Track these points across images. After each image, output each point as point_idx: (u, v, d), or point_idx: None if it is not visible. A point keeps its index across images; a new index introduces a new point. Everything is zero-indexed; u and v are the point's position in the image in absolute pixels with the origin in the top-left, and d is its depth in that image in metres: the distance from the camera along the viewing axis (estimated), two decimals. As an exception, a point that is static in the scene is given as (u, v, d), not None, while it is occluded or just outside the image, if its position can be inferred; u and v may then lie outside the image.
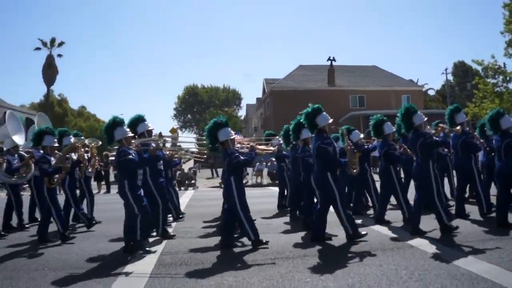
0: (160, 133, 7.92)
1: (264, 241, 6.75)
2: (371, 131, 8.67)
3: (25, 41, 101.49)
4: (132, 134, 7.08)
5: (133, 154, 6.71)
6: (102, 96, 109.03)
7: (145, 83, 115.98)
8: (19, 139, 9.04)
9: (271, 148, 8.39)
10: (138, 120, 7.83)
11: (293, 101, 38.94)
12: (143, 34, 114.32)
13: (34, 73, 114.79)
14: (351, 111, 37.87)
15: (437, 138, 7.26)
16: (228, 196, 6.93)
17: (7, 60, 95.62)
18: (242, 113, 69.95)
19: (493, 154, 8.11)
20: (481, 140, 8.71)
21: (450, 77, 32.47)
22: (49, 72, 42.21)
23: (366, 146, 9.47)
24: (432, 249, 6.11)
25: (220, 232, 7.21)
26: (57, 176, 7.76)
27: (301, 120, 7.63)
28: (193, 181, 22.86)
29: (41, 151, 8.00)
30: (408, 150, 7.94)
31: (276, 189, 12.09)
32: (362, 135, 9.62)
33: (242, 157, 6.85)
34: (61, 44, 44.51)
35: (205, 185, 23.47)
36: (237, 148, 7.25)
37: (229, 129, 7.01)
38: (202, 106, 66.71)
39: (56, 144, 8.10)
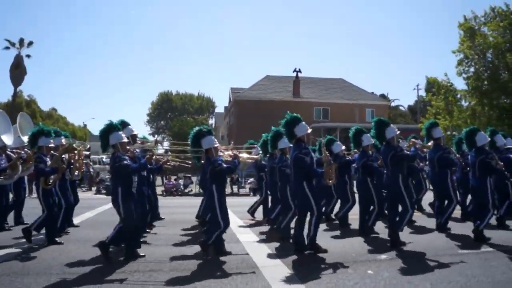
0: (156, 140, 8.24)
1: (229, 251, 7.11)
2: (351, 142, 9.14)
3: None
4: (127, 140, 7.21)
5: (128, 160, 6.86)
6: (74, 99, 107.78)
7: (119, 87, 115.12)
8: (7, 139, 9.09)
9: (254, 156, 8.83)
10: (122, 125, 7.95)
11: (257, 111, 39.75)
12: (117, 38, 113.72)
13: (1, 73, 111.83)
14: (315, 123, 38.93)
15: (408, 152, 7.76)
16: (209, 204, 7.21)
17: None
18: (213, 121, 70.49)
19: (468, 169, 8.70)
20: (457, 155, 9.26)
21: (423, 93, 34.25)
22: (17, 72, 41.65)
23: (347, 158, 9.95)
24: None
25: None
26: (52, 177, 7.89)
27: (280, 130, 7.98)
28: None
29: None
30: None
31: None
32: (343, 147, 10.06)
33: (225, 165, 7.16)
34: (30, 44, 44.39)
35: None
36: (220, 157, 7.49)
37: (213, 137, 7.33)
38: (175, 113, 66.79)
39: (52, 145, 8.24)
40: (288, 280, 5.71)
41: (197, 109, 69.45)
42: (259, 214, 11.27)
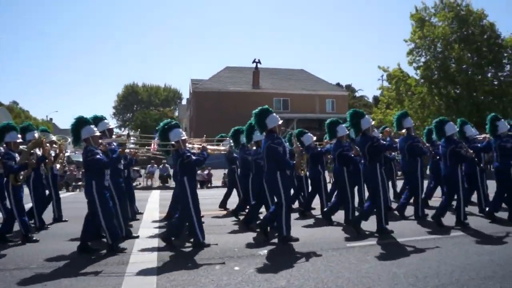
0: (128, 133, 7.86)
1: (207, 244, 6.99)
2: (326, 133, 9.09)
3: None
4: (99, 134, 7.05)
5: (100, 154, 6.71)
6: (36, 92, 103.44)
7: (83, 80, 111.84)
8: None
9: (221, 148, 8.56)
10: (97, 119, 7.78)
11: (216, 103, 39.27)
12: (81, 29, 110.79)
13: None
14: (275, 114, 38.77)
15: (384, 142, 7.82)
16: (181, 196, 7.05)
17: None
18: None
19: (437, 158, 8.82)
20: (427, 145, 9.32)
21: (386, 83, 34.51)
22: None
23: (319, 149, 9.89)
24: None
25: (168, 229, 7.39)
26: (22, 173, 7.55)
27: (253, 123, 7.85)
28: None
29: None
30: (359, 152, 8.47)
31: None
32: (314, 138, 10.00)
33: (194, 157, 7.03)
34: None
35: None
36: (188, 149, 7.33)
37: (180, 129, 7.19)
38: (141, 105, 65.22)
39: (20, 140, 7.88)
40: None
41: (163, 101, 68.29)
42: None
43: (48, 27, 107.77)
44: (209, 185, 21.91)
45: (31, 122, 9.82)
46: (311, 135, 9.97)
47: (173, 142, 7.11)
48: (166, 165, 22.97)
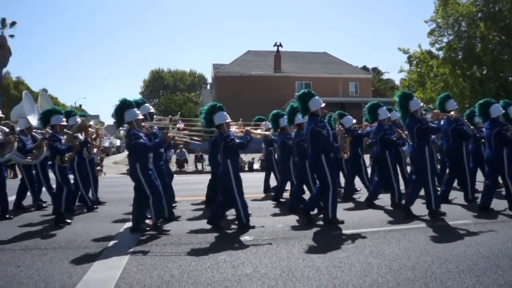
0: (171, 117, 7.74)
1: (252, 226, 6.93)
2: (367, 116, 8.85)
3: None
4: (142, 117, 7.01)
5: (144, 138, 6.67)
6: (64, 79, 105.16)
7: (111, 66, 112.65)
8: (33, 119, 9.01)
9: (266, 132, 8.35)
10: (139, 103, 7.74)
11: (237, 87, 39.00)
12: (107, 17, 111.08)
13: None
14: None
15: (433, 124, 7.53)
16: (224, 178, 6.96)
17: None
18: (205, 98, 69.54)
19: (482, 141, 8.49)
20: (472, 127, 8.99)
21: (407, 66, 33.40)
22: (1, 53, 40.11)
23: (359, 131, 9.63)
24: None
25: (212, 212, 7.31)
26: (67, 155, 7.65)
27: (296, 105, 7.74)
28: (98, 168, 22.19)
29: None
30: (403, 135, 8.22)
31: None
32: (354, 120, 9.75)
33: (237, 140, 6.94)
34: (13, 24, 42.89)
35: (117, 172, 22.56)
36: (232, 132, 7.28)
37: (225, 112, 7.05)
38: (168, 90, 65.38)
39: (65, 123, 8.01)
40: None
41: (188, 86, 68.28)
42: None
43: (75, 14, 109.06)
44: None
45: (72, 109, 9.84)
46: (351, 117, 9.72)
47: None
48: (183, 150, 22.79)
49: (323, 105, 7.17)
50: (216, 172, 8.71)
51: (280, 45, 42.84)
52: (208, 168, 21.29)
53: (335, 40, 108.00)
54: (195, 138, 8.57)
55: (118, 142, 45.48)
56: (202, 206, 9.27)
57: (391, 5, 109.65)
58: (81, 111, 56.04)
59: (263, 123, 9.70)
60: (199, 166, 22.37)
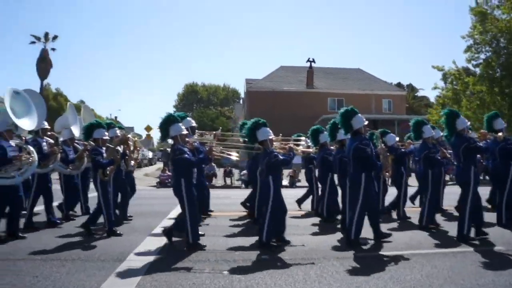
0: (215, 133, 7.75)
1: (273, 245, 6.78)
2: (411, 134, 8.63)
3: (19, 37, 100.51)
4: (187, 132, 7.04)
5: (188, 153, 6.67)
6: (101, 91, 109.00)
7: (145, 79, 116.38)
8: (75, 130, 9.20)
9: (310, 149, 8.26)
10: (181, 117, 7.75)
11: (269, 102, 38.96)
12: (144, 31, 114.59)
13: (29, 68, 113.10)
14: (329, 114, 38.05)
15: (480, 144, 7.29)
16: (263, 195, 6.92)
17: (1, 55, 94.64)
18: (238, 113, 69.96)
19: None
20: None
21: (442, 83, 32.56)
22: (43, 65, 41.61)
23: (402, 149, 9.44)
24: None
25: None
26: (109, 168, 7.73)
27: (337, 122, 7.67)
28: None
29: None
30: (447, 154, 7.99)
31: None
32: (397, 138, 9.54)
33: (281, 157, 6.86)
34: (54, 38, 44.15)
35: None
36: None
37: (268, 129, 6.99)
38: (201, 104, 66.26)
39: (107, 137, 8.07)
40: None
41: (222, 100, 68.84)
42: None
43: (112, 29, 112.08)
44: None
45: (111, 122, 10.00)
46: (394, 135, 9.49)
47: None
48: (213, 164, 22.50)
49: (366, 123, 7.07)
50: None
51: (313, 60, 42.63)
52: (237, 183, 21.60)
53: (369, 57, 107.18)
54: (234, 154, 8.56)
55: (150, 154, 45.94)
56: (240, 222, 9.22)
57: (426, 21, 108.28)
58: (116, 122, 57.38)
59: (303, 139, 9.60)
60: (228, 181, 22.28)
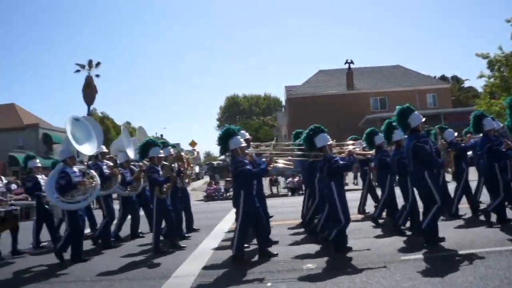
0: (274, 144, 7.74)
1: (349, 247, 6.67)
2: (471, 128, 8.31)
3: (65, 66, 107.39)
4: (246, 144, 7.09)
5: (249, 165, 6.69)
6: (145, 111, 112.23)
7: (187, 96, 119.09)
8: (130, 153, 9.42)
9: (370, 152, 8.06)
10: (238, 130, 7.73)
11: (311, 107, 38.64)
12: (181, 49, 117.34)
13: (76, 95, 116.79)
14: (372, 114, 37.40)
15: None
16: (329, 201, 6.79)
17: (49, 84, 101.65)
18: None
19: None
20: None
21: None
22: (89, 91, 43.22)
23: (462, 144, 9.07)
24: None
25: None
26: (165, 186, 7.82)
27: (392, 122, 7.52)
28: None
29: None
30: None
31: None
32: (456, 133, 9.17)
33: (341, 162, 6.74)
34: (98, 64, 45.64)
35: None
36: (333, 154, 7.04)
37: (326, 134, 6.90)
38: (243, 115, 66.94)
39: (162, 155, 8.19)
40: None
41: (264, 110, 69.19)
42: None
43: (150, 48, 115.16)
44: (300, 192, 20.95)
45: (164, 141, 10.19)
46: (452, 130, 9.11)
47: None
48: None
49: (423, 120, 6.83)
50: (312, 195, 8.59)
51: (352, 62, 42.27)
52: (284, 191, 21.43)
53: (409, 52, 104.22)
54: (288, 163, 8.48)
55: (197, 169, 46.47)
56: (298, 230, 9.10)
57: (465, 8, 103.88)
58: (163, 140, 58.84)
59: (357, 142, 9.38)
60: (274, 190, 22.09)
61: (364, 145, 8.99)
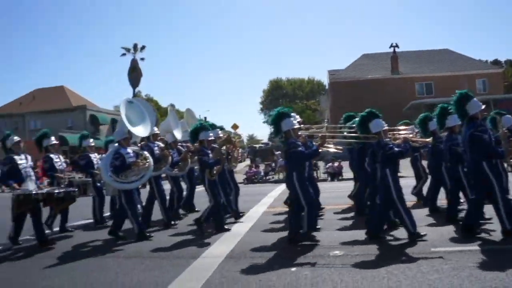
0: (327, 126, 7.67)
1: (422, 234, 6.42)
2: None
3: (112, 50, 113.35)
4: (298, 126, 7.03)
5: (302, 147, 6.67)
6: (189, 94, 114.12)
7: (230, 78, 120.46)
8: (178, 134, 9.62)
9: (427, 140, 7.82)
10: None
11: (354, 92, 37.96)
12: (224, 32, 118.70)
13: (121, 78, 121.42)
14: (417, 99, 36.37)
15: None
16: (383, 188, 6.62)
17: (97, 67, 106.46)
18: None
19: None
20: None
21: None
22: (134, 75, 44.10)
23: None
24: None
25: (369, 223, 6.93)
26: (215, 168, 7.93)
27: (446, 107, 7.33)
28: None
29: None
30: None
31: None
32: None
33: (396, 149, 6.55)
34: (143, 48, 46.33)
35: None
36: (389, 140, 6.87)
37: (381, 120, 6.72)
38: (287, 99, 66.77)
39: (212, 138, 8.29)
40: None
41: (307, 93, 68.62)
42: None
43: (194, 31, 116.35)
44: (340, 178, 20.65)
45: (213, 123, 10.20)
46: (510, 116, 8.65)
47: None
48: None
49: (483, 107, 6.51)
50: (359, 180, 8.46)
51: (397, 45, 41.12)
52: (323, 176, 21.18)
53: (459, 35, 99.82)
54: (338, 147, 8.36)
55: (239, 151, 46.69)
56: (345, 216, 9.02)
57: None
58: (211, 123, 59.75)
59: (409, 127, 9.10)
60: (314, 175, 21.95)
61: (417, 131, 8.73)
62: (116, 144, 7.75)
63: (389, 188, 6.52)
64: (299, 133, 6.98)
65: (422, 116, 8.58)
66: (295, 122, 6.89)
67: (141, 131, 8.04)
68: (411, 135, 7.86)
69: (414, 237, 6.34)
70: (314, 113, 54.50)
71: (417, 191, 10.03)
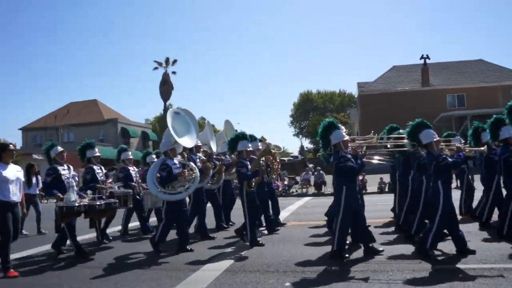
0: (376, 137, 7.45)
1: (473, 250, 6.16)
2: None
3: (144, 64, 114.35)
4: (348, 138, 6.78)
5: (352, 160, 6.43)
6: (220, 107, 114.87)
7: (261, 92, 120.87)
8: (213, 146, 9.55)
9: (482, 148, 7.54)
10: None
11: (383, 104, 37.41)
12: (254, 47, 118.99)
13: (152, 91, 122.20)
14: (448, 111, 35.56)
15: None
16: (433, 199, 6.29)
17: (129, 81, 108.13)
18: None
19: None
20: None
21: None
22: (165, 88, 44.86)
23: None
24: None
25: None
26: (254, 180, 7.81)
27: (500, 118, 7.08)
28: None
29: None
30: None
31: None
32: None
33: (450, 159, 6.23)
34: (174, 62, 47.18)
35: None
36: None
37: (432, 131, 6.46)
38: (317, 112, 66.54)
39: (251, 149, 8.17)
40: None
41: (338, 106, 68.17)
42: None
43: (224, 45, 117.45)
44: (364, 191, 20.06)
45: (252, 134, 10.08)
46: None
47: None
48: (321, 172, 21.80)
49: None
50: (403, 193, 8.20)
51: (427, 57, 40.34)
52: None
53: (493, 45, 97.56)
54: (381, 158, 8.15)
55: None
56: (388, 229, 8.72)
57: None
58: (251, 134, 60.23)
59: (456, 138, 8.77)
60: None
61: (463, 141, 8.37)
62: (163, 156, 7.70)
63: (438, 201, 6.14)
64: (350, 144, 6.71)
65: (474, 126, 8.26)
66: (345, 134, 6.65)
67: (187, 142, 7.95)
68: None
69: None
70: (344, 126, 53.65)
71: (465, 208, 9.64)
